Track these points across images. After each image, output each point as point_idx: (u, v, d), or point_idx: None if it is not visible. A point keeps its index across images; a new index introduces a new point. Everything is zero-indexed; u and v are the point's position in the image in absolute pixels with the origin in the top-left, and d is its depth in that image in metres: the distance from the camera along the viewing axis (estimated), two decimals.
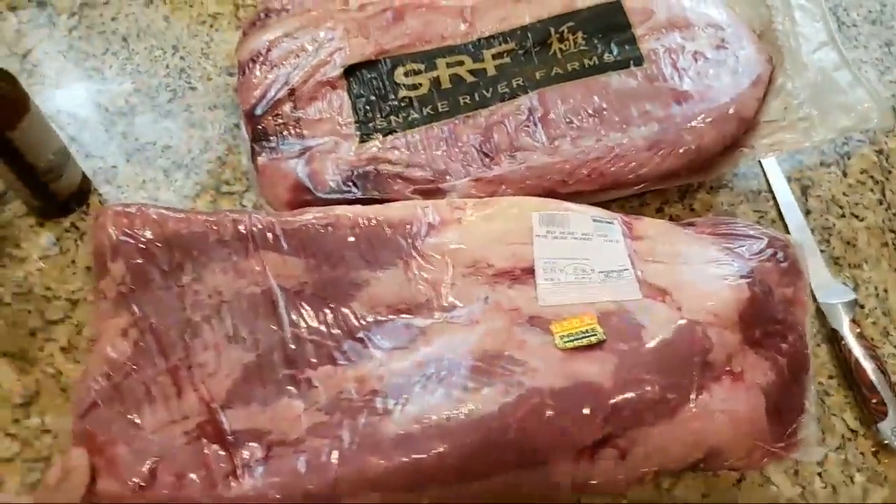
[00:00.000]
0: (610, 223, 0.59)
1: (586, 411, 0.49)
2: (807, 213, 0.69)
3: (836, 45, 0.64)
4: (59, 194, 0.68)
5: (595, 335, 0.51)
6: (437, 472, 0.50)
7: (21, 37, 0.81)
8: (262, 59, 0.71)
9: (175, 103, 0.76)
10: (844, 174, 0.71)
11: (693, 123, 0.62)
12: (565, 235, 0.58)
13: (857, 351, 0.61)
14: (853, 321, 0.63)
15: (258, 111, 0.69)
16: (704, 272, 0.55)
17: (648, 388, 0.50)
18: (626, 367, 0.50)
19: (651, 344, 0.51)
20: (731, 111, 0.63)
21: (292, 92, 0.69)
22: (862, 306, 0.65)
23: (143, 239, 0.60)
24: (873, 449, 0.59)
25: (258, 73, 0.71)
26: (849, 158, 0.72)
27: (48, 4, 0.83)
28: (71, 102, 0.76)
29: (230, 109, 0.76)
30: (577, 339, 0.51)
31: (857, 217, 0.69)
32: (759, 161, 0.71)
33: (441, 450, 0.49)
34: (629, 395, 0.50)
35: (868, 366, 0.60)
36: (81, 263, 0.68)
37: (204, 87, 0.77)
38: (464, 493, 0.51)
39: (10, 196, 0.70)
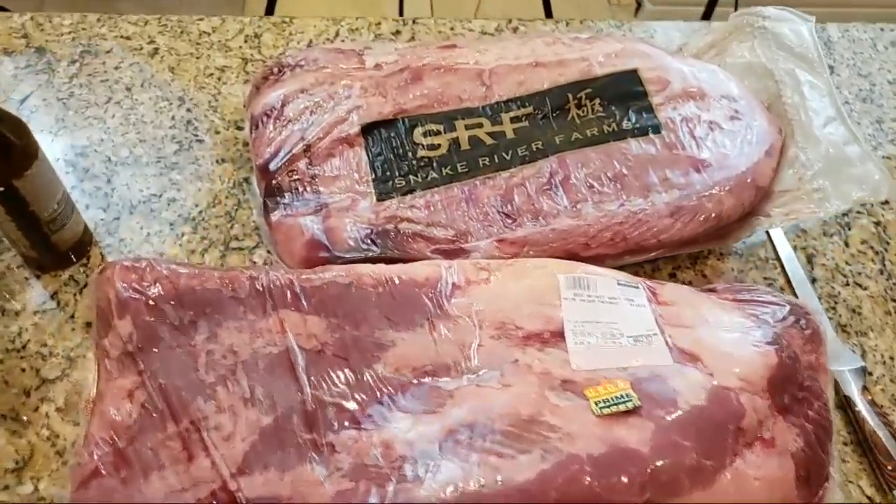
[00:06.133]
0: (635, 287, 0.59)
1: (626, 479, 0.48)
2: (813, 280, 0.70)
3: (844, 121, 0.66)
4: (59, 246, 0.65)
5: (630, 401, 0.51)
6: None
7: (18, 82, 0.79)
8: (276, 113, 0.70)
9: (181, 155, 0.75)
10: (846, 244, 0.73)
11: (713, 191, 0.64)
12: (592, 299, 0.58)
13: (871, 419, 0.61)
14: (864, 388, 0.63)
15: (272, 166, 0.68)
16: (731, 338, 0.55)
17: (686, 455, 0.49)
18: (662, 434, 0.50)
19: (686, 410, 0.51)
20: (748, 180, 0.64)
21: (308, 148, 0.68)
22: (870, 373, 0.66)
23: (152, 295, 0.58)
24: None
25: (272, 127, 0.70)
26: (849, 229, 0.74)
27: (47, 51, 0.81)
28: (71, 151, 0.74)
29: (239, 163, 0.75)
30: (612, 405, 0.51)
31: (860, 286, 0.71)
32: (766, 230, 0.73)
33: None
34: (667, 462, 0.49)
35: (882, 434, 0.61)
36: (81, 319, 0.65)
37: (212, 139, 0.76)
38: None
39: (3, 245, 0.67)
